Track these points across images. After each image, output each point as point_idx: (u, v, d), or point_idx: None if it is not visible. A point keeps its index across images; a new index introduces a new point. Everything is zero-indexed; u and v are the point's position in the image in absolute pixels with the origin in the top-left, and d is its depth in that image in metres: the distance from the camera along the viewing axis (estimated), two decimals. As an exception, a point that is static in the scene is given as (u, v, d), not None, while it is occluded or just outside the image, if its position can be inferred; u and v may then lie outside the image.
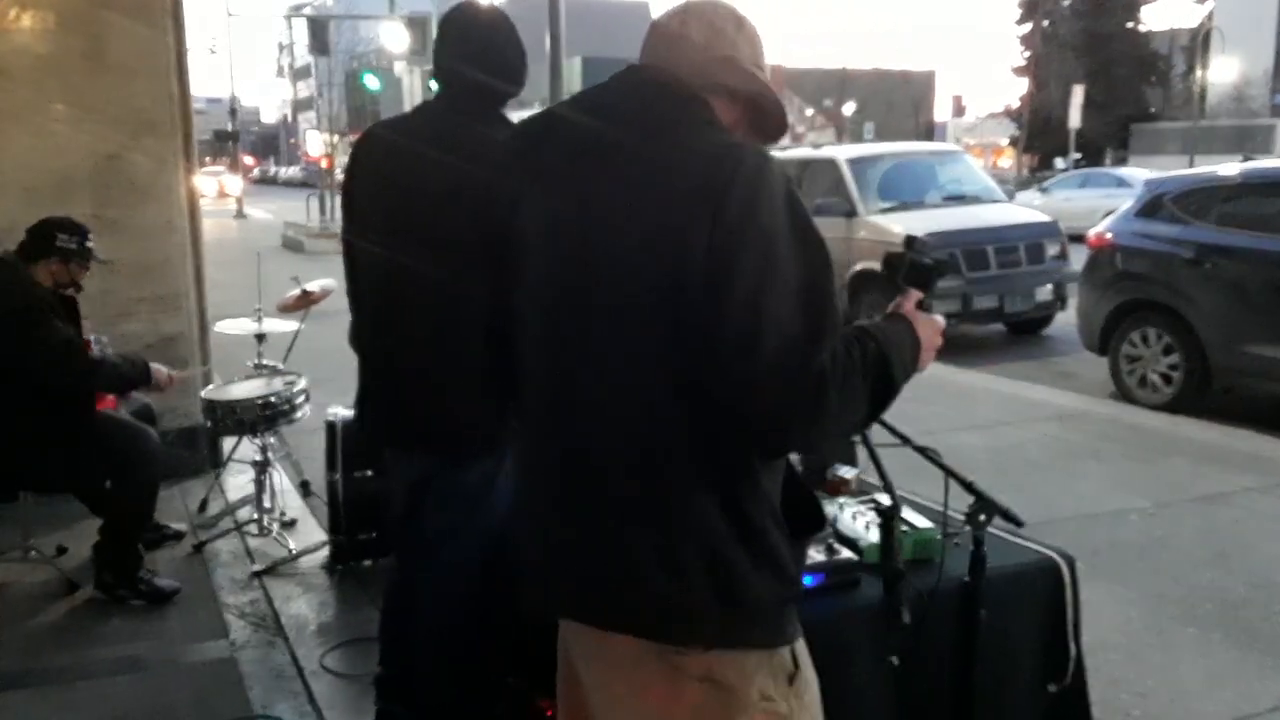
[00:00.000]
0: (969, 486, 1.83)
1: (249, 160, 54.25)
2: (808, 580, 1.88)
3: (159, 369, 3.63)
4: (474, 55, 2.22)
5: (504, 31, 2.27)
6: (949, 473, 1.84)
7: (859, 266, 8.69)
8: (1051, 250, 9.10)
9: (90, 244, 3.53)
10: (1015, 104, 44.46)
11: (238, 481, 4.67)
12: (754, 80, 1.37)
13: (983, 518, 1.81)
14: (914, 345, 1.35)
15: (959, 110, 58.87)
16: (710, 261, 1.17)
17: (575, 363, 1.30)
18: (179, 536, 4.09)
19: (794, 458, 1.46)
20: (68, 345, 3.33)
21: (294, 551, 3.88)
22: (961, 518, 1.88)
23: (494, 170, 2.10)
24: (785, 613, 1.31)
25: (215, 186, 35.19)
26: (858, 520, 2.16)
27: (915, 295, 1.43)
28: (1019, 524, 1.87)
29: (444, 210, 2.13)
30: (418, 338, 2.22)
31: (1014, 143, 44.00)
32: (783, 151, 10.71)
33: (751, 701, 1.26)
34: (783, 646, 1.30)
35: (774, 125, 1.42)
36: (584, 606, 1.33)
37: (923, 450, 1.89)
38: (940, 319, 1.45)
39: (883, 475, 1.84)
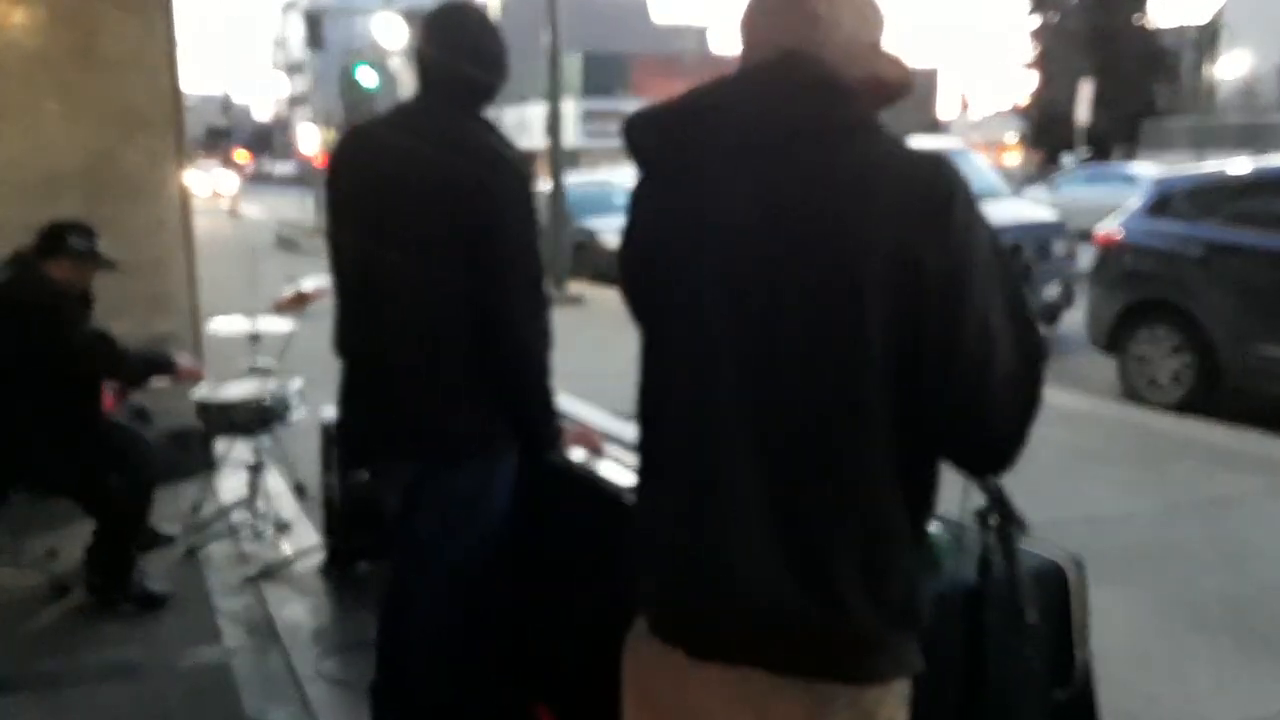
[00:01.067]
0: (989, 489, 1.81)
1: (245, 154, 53.36)
2: None
3: (183, 355, 3.71)
4: (457, 49, 2.20)
5: (482, 24, 2.26)
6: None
7: None
8: (1058, 248, 9.04)
9: (99, 247, 3.53)
10: (1021, 101, 44.40)
11: (231, 484, 4.64)
12: (899, 66, 1.31)
13: (993, 521, 1.80)
14: None
15: (964, 108, 58.81)
16: (941, 280, 1.12)
17: (766, 359, 1.18)
18: (172, 540, 4.06)
19: None
20: (101, 335, 3.43)
21: (289, 555, 3.86)
22: (971, 520, 1.87)
23: (478, 165, 2.10)
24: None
25: (209, 188, 34.54)
26: None
27: None
28: (1024, 530, 1.86)
29: (430, 206, 2.11)
30: (406, 337, 2.19)
31: (1021, 139, 43.93)
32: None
33: None
34: (915, 670, 1.26)
35: (901, 88, 1.35)
36: (766, 650, 1.19)
37: None
38: None
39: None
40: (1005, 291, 1.16)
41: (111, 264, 3.60)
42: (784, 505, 1.17)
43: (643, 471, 1.35)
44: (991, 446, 1.20)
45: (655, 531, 1.29)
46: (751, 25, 1.31)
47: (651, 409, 1.32)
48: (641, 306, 1.33)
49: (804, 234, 1.16)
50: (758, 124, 1.21)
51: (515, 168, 2.14)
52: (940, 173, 1.16)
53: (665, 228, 1.28)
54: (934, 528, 2.09)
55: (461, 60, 2.19)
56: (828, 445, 1.16)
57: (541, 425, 2.30)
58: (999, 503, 1.77)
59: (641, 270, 1.32)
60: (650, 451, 1.33)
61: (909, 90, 1.33)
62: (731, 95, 1.25)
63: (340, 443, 2.39)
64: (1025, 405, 1.18)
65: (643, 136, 1.31)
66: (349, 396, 2.34)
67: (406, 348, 2.18)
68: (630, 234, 1.33)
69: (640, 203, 1.32)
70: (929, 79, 61.46)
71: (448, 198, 2.09)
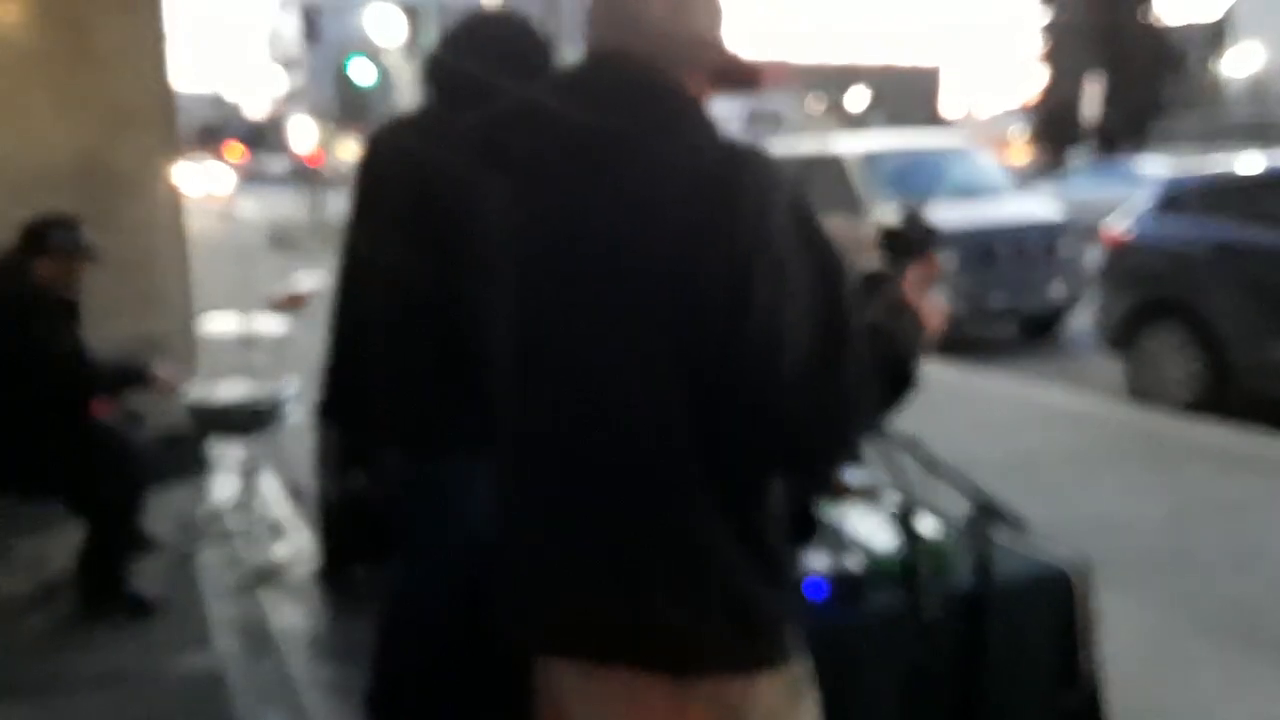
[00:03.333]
0: (979, 494, 1.80)
1: (240, 148, 53.34)
2: (814, 589, 1.89)
3: (163, 366, 3.63)
4: (472, 54, 2.25)
5: (506, 31, 2.30)
6: (960, 477, 1.80)
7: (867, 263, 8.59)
8: (1065, 246, 8.98)
9: (85, 240, 3.50)
10: (1029, 98, 44.38)
11: (225, 487, 4.64)
12: (723, 55, 1.29)
13: (991, 525, 1.80)
14: (920, 335, 1.35)
15: (970, 104, 58.89)
16: (725, 280, 1.12)
17: (575, 375, 1.22)
18: (163, 544, 4.03)
19: None
20: (72, 354, 3.35)
21: (283, 559, 3.84)
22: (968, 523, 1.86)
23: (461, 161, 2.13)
24: (789, 629, 1.28)
25: (203, 189, 34.25)
26: (864, 524, 2.14)
27: (914, 273, 1.42)
28: (1022, 530, 1.86)
29: (406, 199, 2.20)
30: (374, 323, 2.29)
31: (1029, 136, 43.91)
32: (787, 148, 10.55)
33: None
34: (789, 663, 1.27)
35: (745, 79, 1.35)
36: (586, 642, 1.26)
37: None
38: (943, 301, 1.42)
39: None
40: (813, 289, 1.14)
41: (94, 255, 3.56)
42: (595, 506, 1.21)
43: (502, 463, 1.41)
44: (791, 449, 1.18)
45: (501, 528, 1.37)
46: (585, 24, 1.33)
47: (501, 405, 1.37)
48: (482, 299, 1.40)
49: (598, 245, 1.19)
50: (563, 129, 1.24)
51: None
52: (734, 170, 1.15)
53: (500, 226, 1.33)
54: (938, 532, 2.08)
55: (472, 64, 2.24)
56: (632, 451, 1.19)
57: None
58: (990, 507, 1.78)
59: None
60: (500, 445, 1.38)
61: (754, 77, 1.33)
62: (545, 100, 1.27)
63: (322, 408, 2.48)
64: (834, 413, 1.15)
65: (474, 139, 1.37)
66: (332, 362, 2.43)
67: (375, 333, 2.28)
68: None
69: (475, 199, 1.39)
70: (931, 77, 61.40)
71: (424, 192, 2.16)
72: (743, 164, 1.16)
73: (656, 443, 1.17)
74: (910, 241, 1.44)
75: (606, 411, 1.20)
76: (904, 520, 1.82)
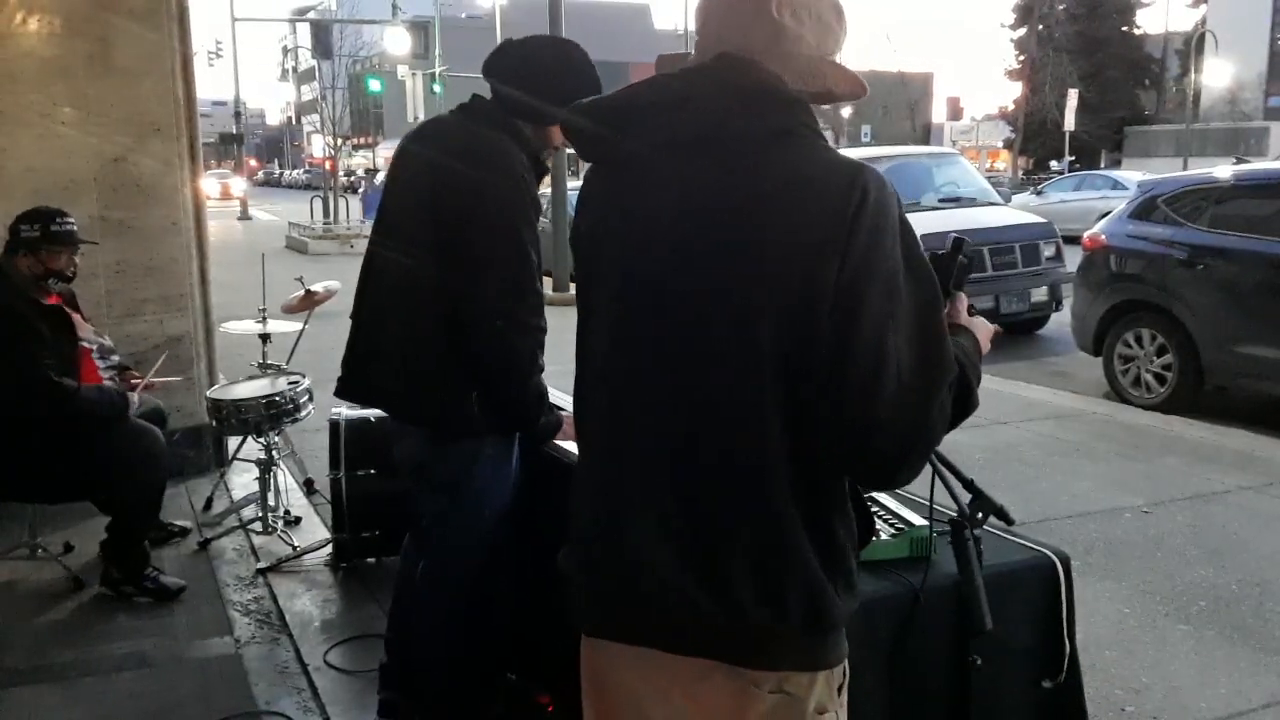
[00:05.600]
0: (969, 485, 1.85)
1: (253, 163, 54.40)
2: None
3: (135, 399, 3.58)
4: (500, 68, 2.34)
5: (528, 51, 2.37)
6: (950, 469, 1.86)
7: None
8: (1047, 252, 9.14)
9: (59, 226, 3.44)
10: (1011, 107, 44.55)
11: (242, 480, 4.70)
12: (853, 82, 1.27)
13: (980, 515, 1.83)
14: (980, 358, 1.36)
15: (955, 113, 58.93)
16: (838, 295, 1.12)
17: (677, 375, 1.21)
18: (184, 534, 4.11)
19: None
20: (36, 381, 3.22)
21: (298, 549, 3.90)
22: (955, 515, 1.90)
23: (470, 165, 2.22)
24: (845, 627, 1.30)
25: (219, 188, 35.11)
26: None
27: (964, 299, 1.41)
28: (1010, 522, 1.89)
29: (420, 201, 2.30)
30: (386, 318, 2.39)
31: (1009, 145, 44.08)
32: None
33: (809, 713, 1.25)
34: (842, 660, 1.29)
35: (843, 100, 1.33)
36: (663, 632, 1.23)
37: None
38: (989, 324, 1.45)
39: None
40: (916, 310, 1.14)
41: (84, 241, 3.53)
42: (685, 499, 1.20)
43: (579, 454, 1.39)
44: (878, 465, 1.17)
45: (580, 513, 1.32)
46: (705, 21, 1.28)
47: (580, 392, 1.35)
48: (581, 291, 1.36)
49: (714, 237, 1.17)
50: (688, 124, 1.21)
51: (508, 170, 2.24)
52: (854, 184, 1.14)
53: (604, 217, 1.30)
54: (924, 522, 2.12)
55: (497, 80, 2.34)
56: (725, 445, 1.18)
57: (528, 416, 2.39)
58: (979, 498, 1.81)
59: (583, 258, 1.34)
60: (581, 435, 1.35)
61: (858, 98, 1.33)
62: (667, 93, 1.24)
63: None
64: (922, 436, 1.15)
65: (578, 127, 1.31)
66: (348, 348, 2.52)
67: (386, 328, 2.38)
68: (577, 221, 1.35)
69: (588, 190, 1.34)
70: (924, 83, 61.13)
71: (434, 193, 2.26)
72: (865, 181, 1.14)
73: (753, 445, 1.17)
74: (964, 268, 1.45)
75: (704, 412, 1.19)
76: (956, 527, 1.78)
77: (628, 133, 1.25)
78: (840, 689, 1.29)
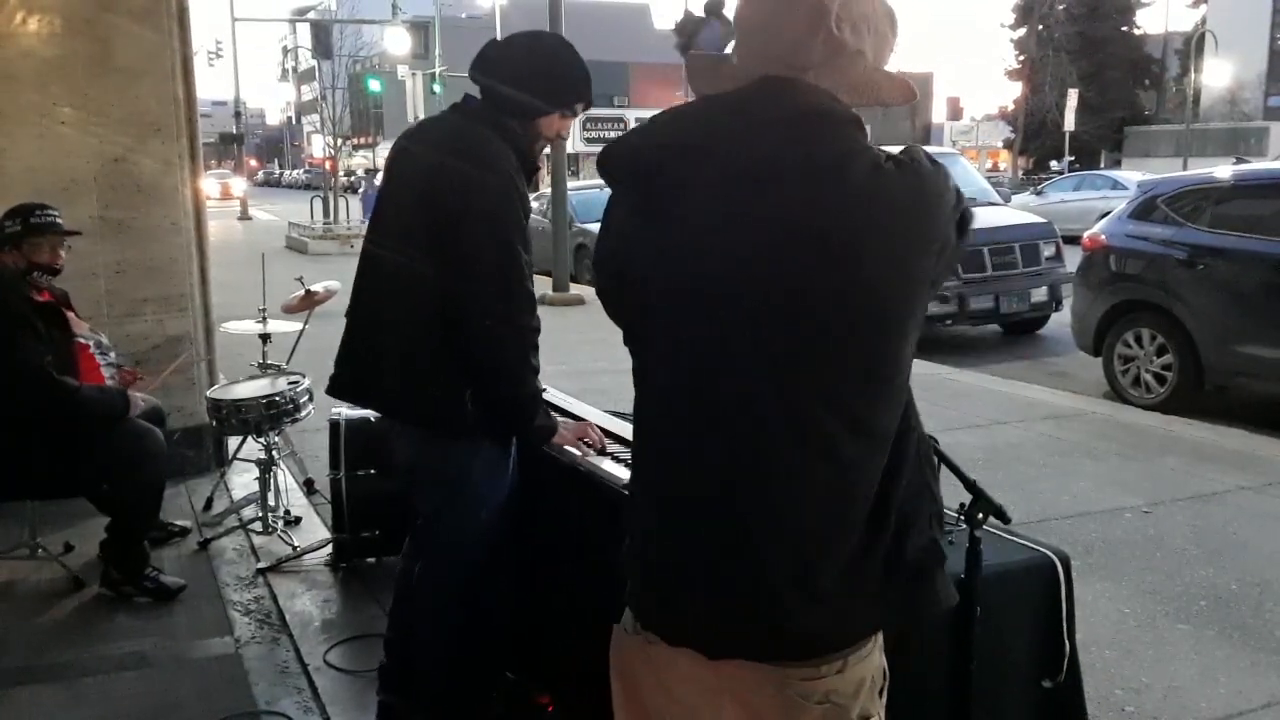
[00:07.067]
0: (971, 485, 1.86)
1: (253, 163, 54.70)
2: None
3: (138, 398, 3.58)
4: (485, 67, 2.35)
5: (524, 49, 2.37)
6: (952, 468, 1.87)
7: None
8: (1047, 252, 9.16)
9: (39, 218, 3.42)
10: (1011, 107, 44.60)
11: (242, 480, 4.70)
12: (904, 90, 1.26)
13: (980, 515, 1.83)
14: None
15: (955, 113, 58.96)
16: (910, 301, 1.18)
17: (732, 398, 1.20)
18: (184, 534, 4.11)
19: None
20: (38, 376, 3.21)
21: (298, 549, 3.90)
22: (955, 514, 1.91)
23: (462, 162, 2.23)
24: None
25: (219, 188, 35.27)
26: None
27: None
28: (1007, 521, 1.90)
29: (413, 199, 2.31)
30: (381, 317, 2.39)
31: (1009, 145, 44.12)
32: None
33: (854, 717, 1.26)
34: (880, 653, 1.31)
35: (899, 101, 1.33)
36: (708, 636, 1.23)
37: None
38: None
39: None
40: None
41: (68, 232, 3.51)
42: (733, 512, 1.20)
43: (633, 463, 1.39)
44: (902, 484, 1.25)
45: (641, 520, 1.31)
46: (749, 35, 1.25)
47: (640, 404, 1.35)
48: (615, 312, 1.35)
49: (799, 263, 1.15)
50: (743, 161, 1.17)
51: (499, 169, 2.25)
52: (946, 188, 1.21)
53: (642, 253, 1.26)
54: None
55: (482, 78, 2.35)
56: (774, 464, 1.19)
57: (522, 416, 2.39)
58: (979, 497, 1.81)
59: (613, 282, 1.32)
60: (638, 445, 1.35)
61: (909, 103, 1.31)
62: (716, 133, 1.20)
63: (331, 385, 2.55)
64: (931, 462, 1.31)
65: (620, 171, 1.29)
66: (342, 345, 2.52)
67: (381, 326, 2.38)
68: (603, 245, 1.32)
69: (614, 216, 1.32)
70: (924, 83, 61.33)
71: (427, 191, 2.27)
72: (932, 189, 1.19)
73: (800, 463, 1.18)
74: None
75: (752, 434, 1.19)
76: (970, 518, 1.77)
77: (674, 179, 1.21)
78: (881, 691, 1.30)
